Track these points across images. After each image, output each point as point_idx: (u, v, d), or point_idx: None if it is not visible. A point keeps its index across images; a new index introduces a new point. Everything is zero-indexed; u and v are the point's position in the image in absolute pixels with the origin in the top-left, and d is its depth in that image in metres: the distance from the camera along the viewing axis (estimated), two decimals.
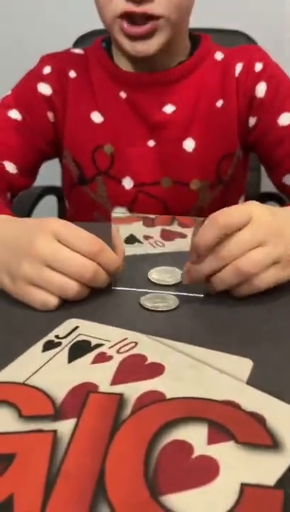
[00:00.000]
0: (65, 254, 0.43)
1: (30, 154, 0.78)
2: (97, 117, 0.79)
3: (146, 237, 0.49)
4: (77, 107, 0.79)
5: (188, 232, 0.50)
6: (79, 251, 0.43)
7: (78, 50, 0.83)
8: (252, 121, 0.78)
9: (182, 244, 0.54)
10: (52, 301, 0.44)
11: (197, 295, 0.47)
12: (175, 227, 0.54)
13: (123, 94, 0.77)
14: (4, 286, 0.46)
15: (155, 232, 0.49)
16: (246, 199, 0.95)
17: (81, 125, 0.79)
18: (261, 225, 0.44)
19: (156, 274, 0.51)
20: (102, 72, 0.79)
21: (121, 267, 0.47)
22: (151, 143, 0.78)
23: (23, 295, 0.45)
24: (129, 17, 0.66)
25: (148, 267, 0.51)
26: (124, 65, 0.78)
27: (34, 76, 0.80)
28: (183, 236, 0.54)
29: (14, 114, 0.77)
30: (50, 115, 0.80)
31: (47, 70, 0.80)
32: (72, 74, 0.80)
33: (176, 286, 0.49)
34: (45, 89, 0.79)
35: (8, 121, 0.76)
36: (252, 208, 0.45)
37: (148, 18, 0.66)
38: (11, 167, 0.75)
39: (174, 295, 0.47)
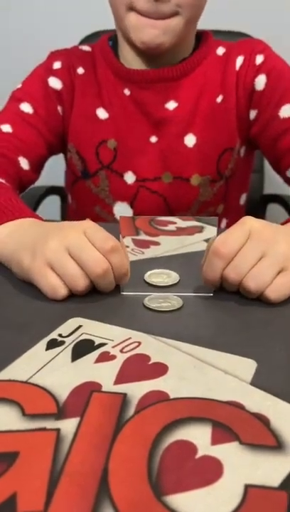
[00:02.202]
0: (85, 246, 0.44)
1: (41, 148, 0.79)
2: (102, 113, 0.80)
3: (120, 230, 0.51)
4: (83, 102, 0.80)
5: (158, 239, 0.51)
6: (96, 247, 0.44)
7: (86, 47, 0.85)
8: (253, 114, 0.78)
9: (159, 251, 0.55)
10: (62, 290, 0.45)
11: (206, 294, 0.47)
12: (142, 237, 0.56)
13: (127, 92, 0.78)
14: (21, 267, 0.47)
15: (127, 242, 0.49)
16: (249, 201, 0.96)
17: (86, 120, 0.80)
18: (260, 239, 0.44)
19: (154, 278, 0.51)
20: (108, 69, 0.80)
21: (128, 275, 0.47)
22: (154, 139, 0.79)
23: (38, 274, 0.45)
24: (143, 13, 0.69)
25: (142, 271, 0.52)
26: (130, 62, 0.78)
27: (44, 70, 0.81)
28: (156, 243, 0.56)
29: (26, 107, 0.78)
30: (60, 109, 0.81)
31: (57, 65, 0.81)
32: (80, 70, 0.81)
33: (181, 287, 0.49)
34: (55, 83, 0.80)
35: (21, 115, 0.77)
36: (248, 222, 0.45)
37: (163, 16, 0.69)
38: (24, 163, 0.76)
39: (180, 296, 0.47)
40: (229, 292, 0.47)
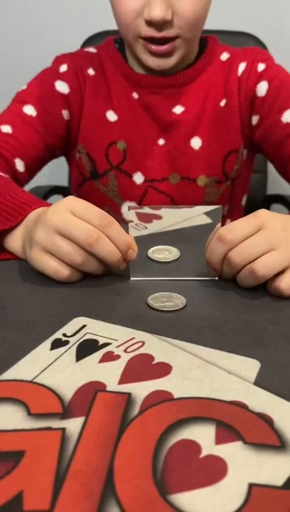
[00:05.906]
0: (73, 222, 0.46)
1: (39, 151, 0.79)
2: (111, 115, 0.82)
3: (127, 222, 0.52)
4: (93, 103, 0.82)
5: (160, 212, 0.54)
6: (90, 222, 0.47)
7: (91, 49, 0.86)
8: (255, 119, 0.80)
9: (160, 226, 0.56)
10: (63, 270, 0.48)
11: (211, 278, 0.50)
12: (146, 210, 0.57)
13: (136, 95, 0.81)
14: (26, 256, 0.51)
15: (131, 216, 0.52)
16: (252, 201, 0.96)
17: (96, 122, 0.82)
18: (271, 231, 0.45)
19: (156, 254, 0.54)
20: (116, 72, 0.82)
21: (135, 249, 0.49)
22: (161, 141, 0.81)
23: (37, 261, 0.48)
24: (149, 39, 0.71)
25: (145, 249, 0.55)
26: (138, 68, 0.81)
27: (51, 74, 0.82)
28: (158, 217, 0.57)
29: (29, 109, 0.78)
30: (65, 113, 0.82)
31: (63, 68, 0.82)
32: (91, 71, 0.82)
33: (186, 270, 0.51)
34: (62, 87, 0.81)
35: (22, 117, 0.78)
36: (262, 216, 0.46)
37: (167, 40, 0.71)
38: (20, 165, 0.76)
39: (186, 280, 0.49)
40: (232, 292, 0.47)
